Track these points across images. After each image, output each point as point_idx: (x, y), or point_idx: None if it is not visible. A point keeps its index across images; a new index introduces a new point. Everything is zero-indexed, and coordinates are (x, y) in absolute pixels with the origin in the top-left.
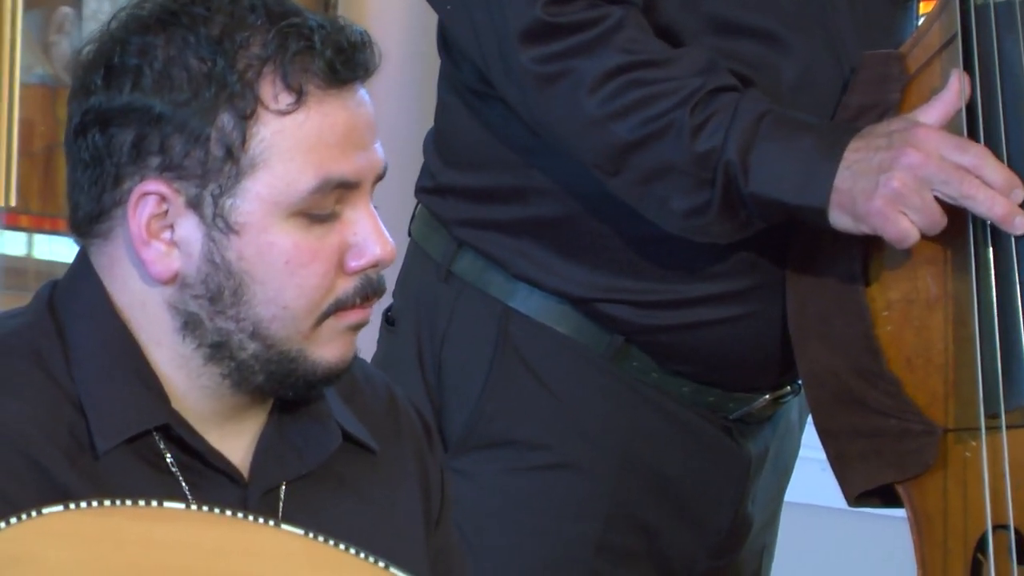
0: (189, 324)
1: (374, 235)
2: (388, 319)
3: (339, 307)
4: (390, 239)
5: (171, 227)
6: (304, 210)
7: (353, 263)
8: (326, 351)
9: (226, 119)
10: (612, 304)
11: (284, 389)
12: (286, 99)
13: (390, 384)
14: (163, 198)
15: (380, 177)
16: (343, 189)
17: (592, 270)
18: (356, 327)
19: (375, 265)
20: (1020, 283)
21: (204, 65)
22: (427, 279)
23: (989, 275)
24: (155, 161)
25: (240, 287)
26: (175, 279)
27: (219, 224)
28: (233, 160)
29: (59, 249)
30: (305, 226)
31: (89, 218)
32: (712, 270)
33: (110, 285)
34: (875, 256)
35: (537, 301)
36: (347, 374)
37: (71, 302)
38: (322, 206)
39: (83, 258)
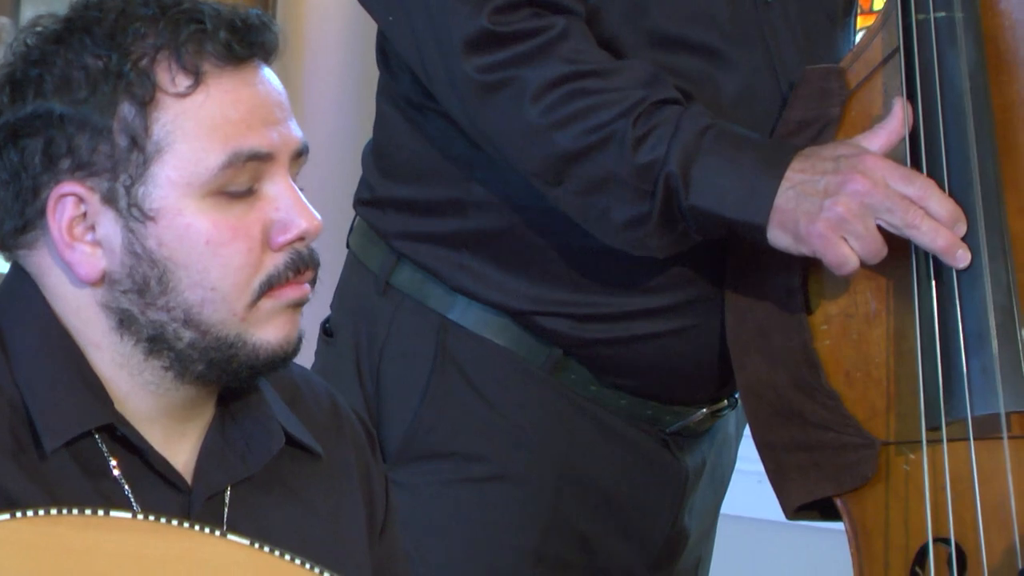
0: (124, 321)
1: (296, 208)
2: (326, 331)
3: (272, 284)
4: (314, 211)
5: (92, 228)
6: (218, 188)
7: (279, 238)
8: (267, 333)
9: (126, 109)
10: (550, 317)
11: (228, 377)
12: (184, 81)
13: (332, 391)
14: (80, 199)
15: (299, 153)
16: (257, 163)
17: (531, 283)
18: (295, 304)
19: (302, 238)
20: (961, 311)
21: (99, 61)
22: (365, 291)
23: (930, 302)
24: (65, 163)
25: (165, 274)
26: (103, 279)
27: (135, 214)
28: (139, 148)
29: None
30: (223, 205)
31: (14, 231)
32: (650, 284)
33: (45, 294)
34: (814, 270)
35: (475, 313)
36: (289, 380)
37: (9, 308)
38: (237, 182)
39: (18, 266)
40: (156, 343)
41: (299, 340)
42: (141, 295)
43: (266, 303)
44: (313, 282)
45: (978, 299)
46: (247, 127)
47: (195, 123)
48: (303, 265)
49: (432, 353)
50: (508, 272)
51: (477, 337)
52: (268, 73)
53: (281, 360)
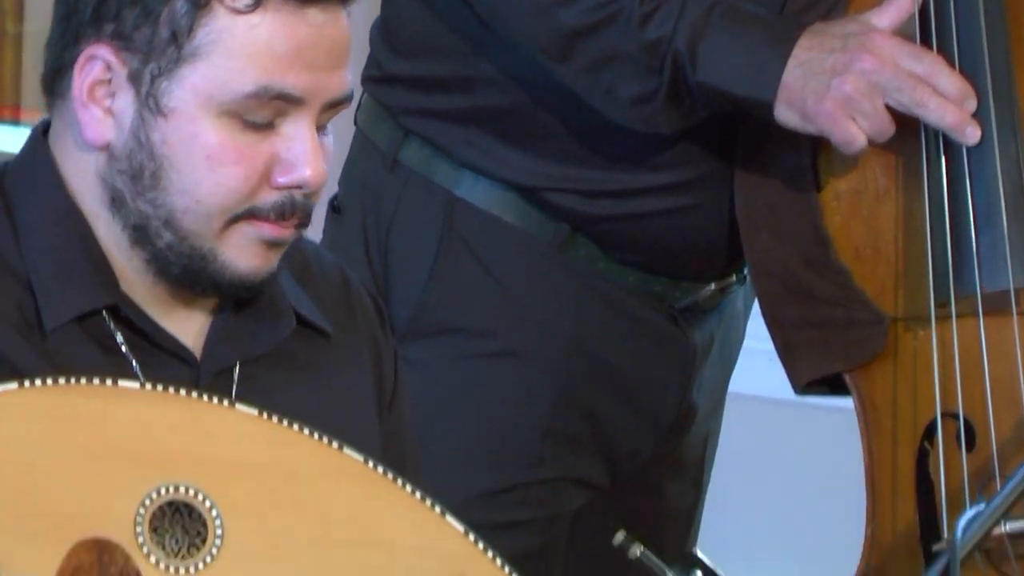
0: (115, 201)
1: (307, 156)
2: (334, 207)
3: (253, 214)
4: (324, 166)
5: (112, 96)
6: (237, 112)
7: (280, 178)
8: (235, 257)
9: (180, 4)
10: (558, 193)
11: (199, 286)
12: None
13: (343, 267)
14: (108, 66)
15: (334, 104)
16: (284, 102)
17: (538, 159)
18: (270, 243)
19: (300, 186)
20: (971, 187)
21: None
22: (373, 167)
23: (940, 178)
24: (109, 28)
25: (159, 171)
26: (106, 148)
27: (150, 104)
28: (176, 45)
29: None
30: (236, 128)
31: (52, 73)
32: (658, 160)
33: (60, 155)
34: (824, 147)
35: (483, 189)
36: (300, 255)
37: (21, 182)
38: (257, 113)
39: (35, 139)
40: (139, 233)
41: (269, 275)
42: (134, 181)
43: (242, 227)
44: (299, 227)
45: (988, 175)
46: (288, 65)
47: (239, 43)
48: (289, 212)
49: (439, 230)
50: (515, 148)
51: (484, 213)
52: (335, 17)
53: (245, 288)
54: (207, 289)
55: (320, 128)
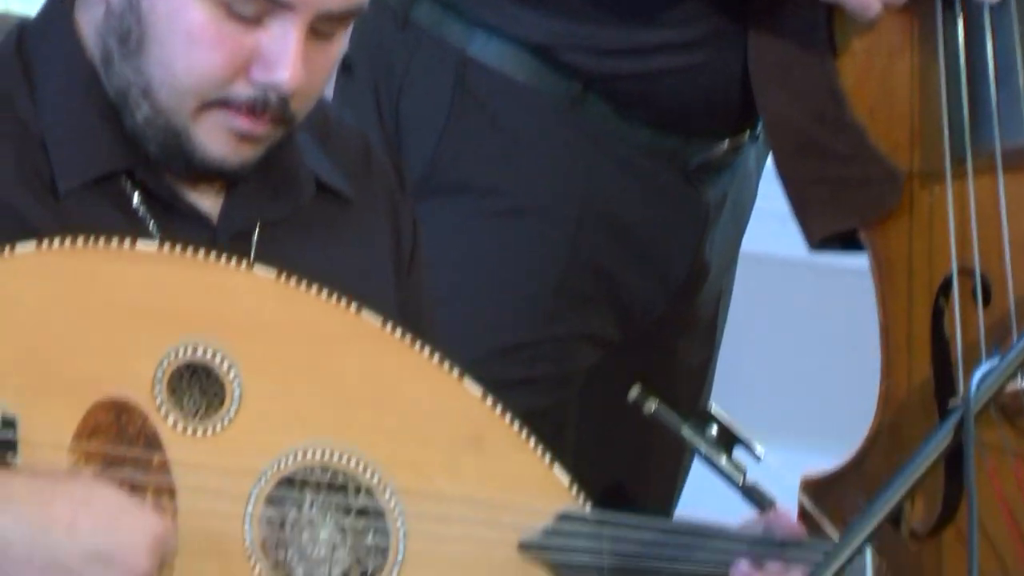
0: (106, 59)
1: (286, 59)
2: (344, 65)
3: (226, 102)
4: (300, 72)
5: None
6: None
7: (256, 75)
8: (206, 140)
9: None
10: (571, 51)
11: (175, 166)
12: None
13: (364, 134)
14: None
15: (333, 17)
16: (270, 3)
17: (551, 16)
18: (240, 135)
19: (273, 87)
20: (993, 41)
21: None
22: (384, 26)
23: (956, 33)
24: None
25: (143, 38)
26: (105, 4)
27: None
28: None
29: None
30: (221, 14)
31: None
32: (671, 17)
33: (80, 16)
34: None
35: (495, 48)
36: (322, 117)
37: (41, 43)
38: (244, 6)
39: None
40: (122, 99)
41: (241, 166)
42: (121, 43)
43: (216, 113)
44: (275, 125)
45: (1007, 28)
46: None
47: None
48: (261, 108)
49: (451, 89)
50: (528, 6)
51: (497, 72)
52: None
53: (217, 172)
54: (182, 170)
55: (323, 36)
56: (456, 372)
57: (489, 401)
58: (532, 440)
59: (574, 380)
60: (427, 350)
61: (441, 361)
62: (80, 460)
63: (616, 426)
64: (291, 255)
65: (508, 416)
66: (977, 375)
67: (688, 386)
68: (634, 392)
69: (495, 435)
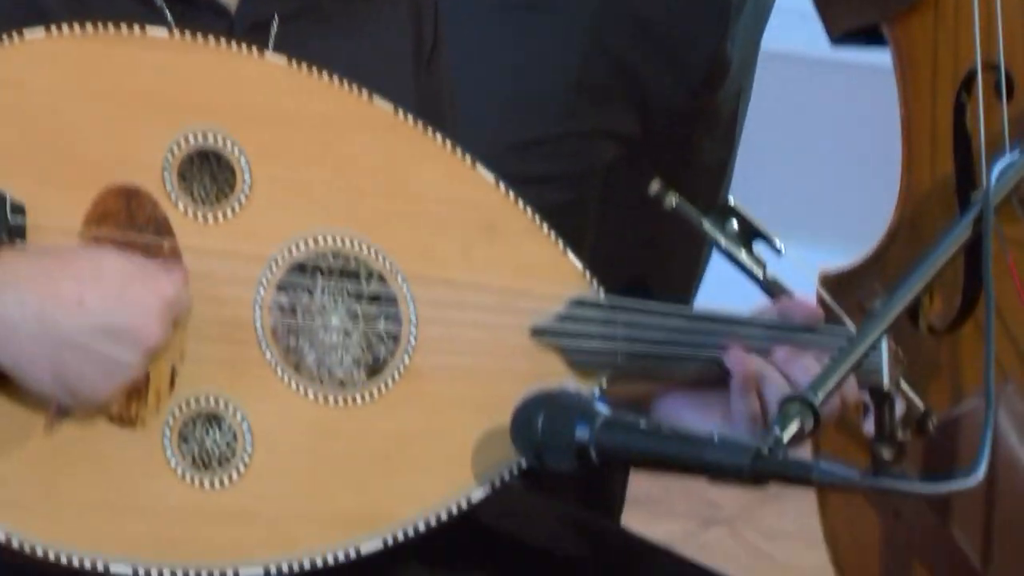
0: None
1: None
2: None
3: None
4: None
5: None
6: None
7: None
8: None
9: None
10: None
11: None
12: None
13: None
14: None
15: None
16: None
17: None
18: None
19: None
20: None
21: None
22: None
23: None
24: None
25: None
26: None
27: None
28: None
29: None
30: None
31: None
32: None
33: None
34: None
35: None
36: None
37: None
38: None
39: None
40: None
41: None
42: None
43: None
44: None
45: None
46: None
47: None
48: None
49: None
50: None
51: None
52: None
53: None
54: None
55: None
56: (469, 160)
57: (502, 188)
58: (545, 227)
59: (593, 177)
60: (439, 137)
61: (454, 149)
62: (90, 246)
63: (635, 223)
64: (309, 47)
65: (521, 203)
66: (997, 167)
67: (707, 183)
68: (655, 186)
69: (508, 222)
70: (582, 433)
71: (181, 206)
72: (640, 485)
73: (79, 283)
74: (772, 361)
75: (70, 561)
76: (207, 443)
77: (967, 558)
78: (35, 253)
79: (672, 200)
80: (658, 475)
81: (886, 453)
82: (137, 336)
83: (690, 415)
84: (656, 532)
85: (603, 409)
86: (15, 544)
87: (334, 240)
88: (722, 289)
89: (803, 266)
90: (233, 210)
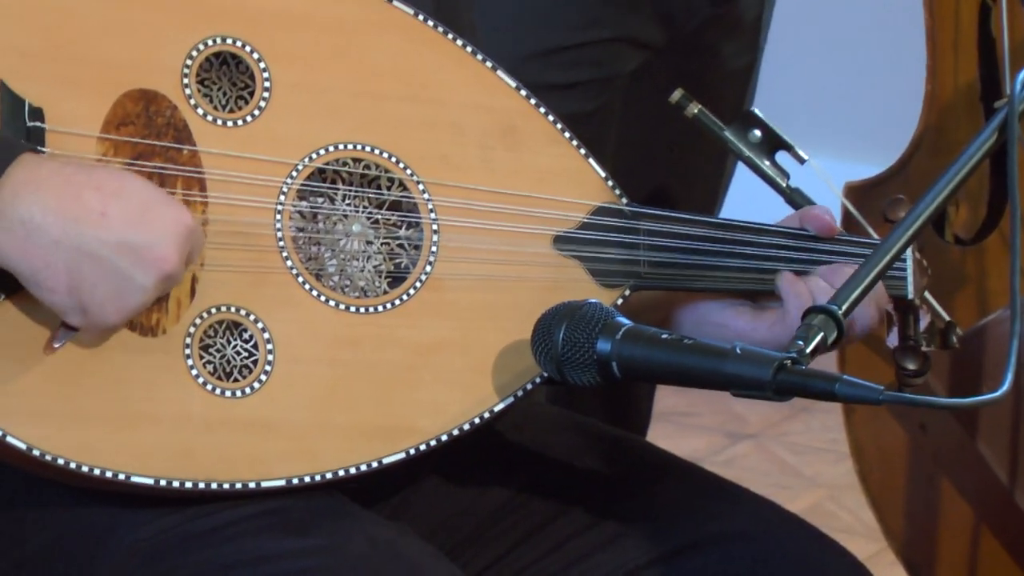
0: None
1: None
2: None
3: None
4: None
5: None
6: None
7: None
8: None
9: None
10: None
11: None
12: None
13: None
14: None
15: None
16: None
17: None
18: None
19: None
20: None
21: None
22: None
23: None
24: None
25: None
26: None
27: None
28: None
29: None
30: None
31: None
32: None
33: None
34: None
35: None
36: None
37: None
38: None
39: None
40: None
41: None
42: None
43: None
44: None
45: None
46: None
47: None
48: None
49: None
50: None
51: None
52: None
53: None
54: None
55: None
56: (490, 64)
57: (523, 93)
58: (567, 134)
59: (616, 84)
60: (459, 41)
61: (474, 53)
62: (109, 151)
63: (658, 131)
64: None
65: (543, 110)
66: (1023, 74)
67: (732, 90)
68: (676, 95)
69: (529, 127)
70: (603, 347)
71: (200, 111)
72: (666, 400)
73: (103, 194)
74: (817, 274)
75: (91, 471)
76: (228, 352)
77: (993, 470)
78: (58, 159)
79: (694, 109)
80: (684, 389)
81: (910, 364)
82: (155, 258)
83: (714, 309)
84: (682, 447)
85: (625, 321)
86: (36, 454)
87: (355, 146)
88: (747, 206)
89: (827, 176)
90: (253, 115)
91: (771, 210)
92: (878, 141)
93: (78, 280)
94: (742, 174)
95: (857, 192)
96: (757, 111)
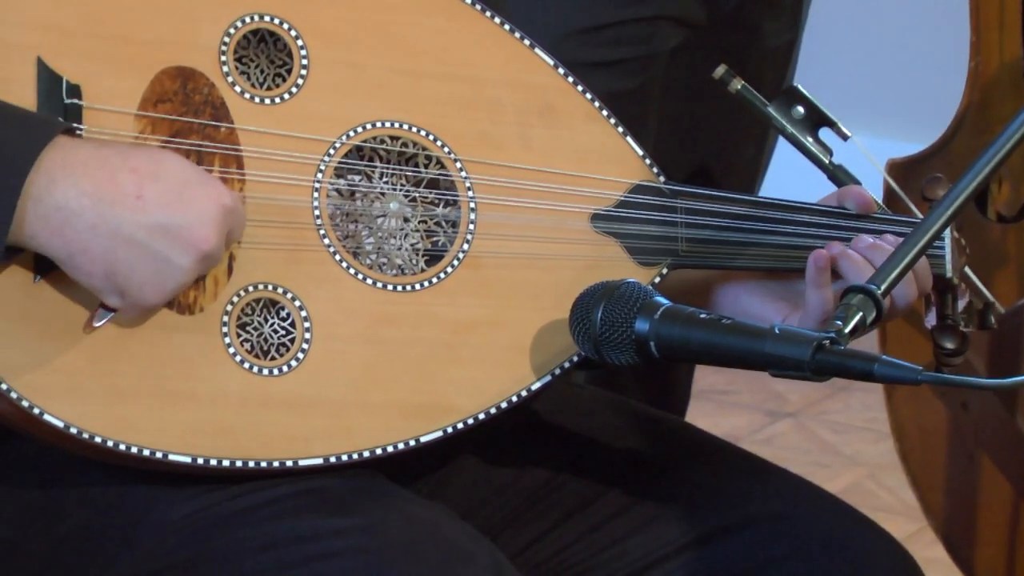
0: None
1: None
2: None
3: None
4: None
5: None
6: None
7: None
8: None
9: None
10: None
11: None
12: None
13: None
14: None
15: None
16: None
17: None
18: None
19: None
20: None
21: None
22: None
23: None
24: None
25: None
26: None
27: None
28: None
29: None
30: None
31: None
32: None
33: None
34: None
35: None
36: None
37: None
38: None
39: None
40: None
41: None
42: None
43: None
44: None
45: None
46: None
47: None
48: None
49: None
50: None
51: None
52: None
53: None
54: None
55: None
56: (528, 42)
57: (561, 71)
58: (605, 112)
59: (658, 62)
60: (497, 19)
61: (512, 31)
62: (147, 128)
63: (700, 109)
64: None
65: (580, 88)
66: None
67: (773, 68)
68: (720, 71)
69: (567, 105)
70: (642, 326)
71: (238, 89)
72: (706, 378)
73: (139, 177)
74: (855, 247)
75: (128, 449)
76: (266, 330)
77: None
78: (93, 142)
79: (737, 85)
80: (723, 368)
81: (948, 344)
82: (192, 238)
83: (752, 301)
84: (722, 425)
85: (663, 301)
86: (74, 432)
87: (392, 124)
88: (788, 184)
89: (870, 154)
90: (291, 93)
91: (812, 188)
92: (921, 118)
93: (114, 265)
94: (782, 152)
95: (900, 169)
96: (800, 87)
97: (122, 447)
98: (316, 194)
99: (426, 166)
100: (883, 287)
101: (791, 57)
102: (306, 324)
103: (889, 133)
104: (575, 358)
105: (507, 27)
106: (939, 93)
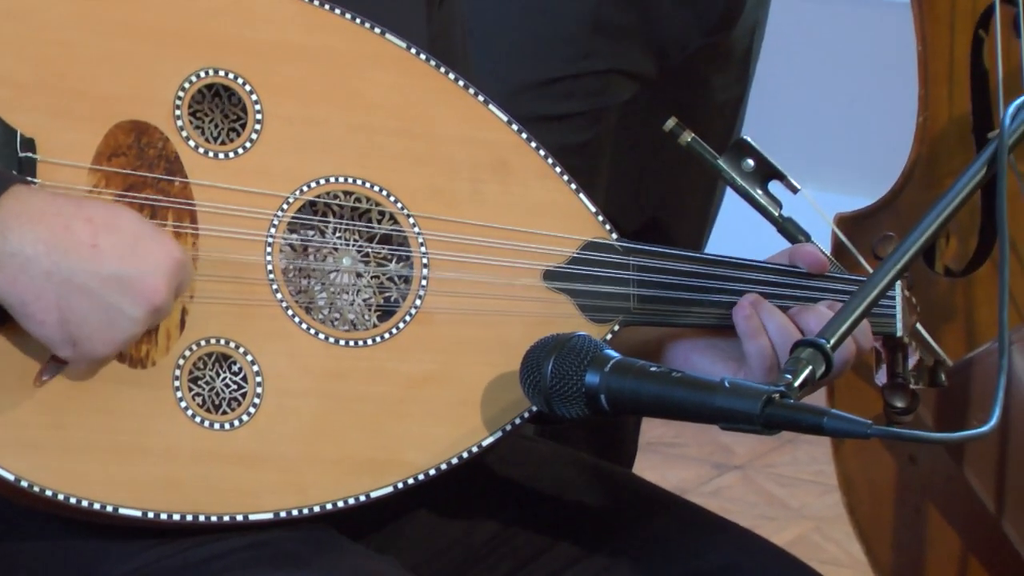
0: None
1: None
2: None
3: None
4: None
5: None
6: None
7: None
8: None
9: None
10: None
11: None
12: None
13: None
14: None
15: None
16: None
17: None
18: None
19: None
20: None
21: None
22: None
23: None
24: None
25: None
26: None
27: None
28: None
29: None
30: None
31: None
32: None
33: None
34: None
35: None
36: None
37: None
38: None
39: None
40: None
41: None
42: None
43: None
44: None
45: None
46: None
47: None
48: None
49: None
50: None
51: None
52: None
53: None
54: None
55: None
56: (481, 98)
57: (515, 127)
58: (558, 169)
59: (609, 115)
60: (452, 76)
61: (466, 87)
62: (100, 182)
63: (650, 161)
64: None
65: (534, 144)
66: (1014, 106)
67: (722, 121)
68: (670, 123)
69: (521, 162)
70: (592, 379)
71: (192, 143)
72: (653, 430)
73: (94, 227)
74: (784, 311)
75: (79, 503)
76: (217, 384)
77: (982, 503)
78: (48, 192)
79: (687, 137)
80: (671, 421)
81: (899, 402)
82: (145, 290)
83: (702, 360)
84: (669, 478)
85: (613, 354)
86: (24, 485)
87: (345, 179)
88: (735, 241)
89: (819, 207)
90: (245, 147)
91: (762, 241)
92: (869, 172)
93: (68, 313)
94: (730, 204)
95: (848, 223)
96: (750, 139)
97: (72, 500)
98: (269, 249)
99: (379, 221)
100: (832, 341)
101: (739, 110)
102: (258, 379)
103: (838, 186)
104: (526, 413)
105: (461, 83)
106: (888, 147)
